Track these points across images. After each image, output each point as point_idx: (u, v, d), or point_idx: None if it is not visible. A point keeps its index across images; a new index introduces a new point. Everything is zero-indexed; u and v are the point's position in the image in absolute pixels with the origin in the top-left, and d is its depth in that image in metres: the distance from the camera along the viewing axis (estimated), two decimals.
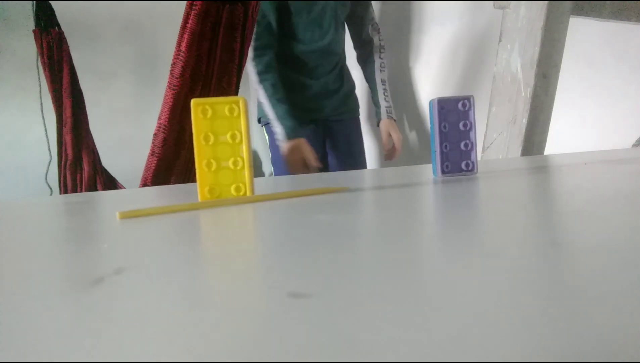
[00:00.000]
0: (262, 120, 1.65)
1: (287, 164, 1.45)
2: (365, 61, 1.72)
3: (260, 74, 1.47)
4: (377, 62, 1.67)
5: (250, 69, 1.48)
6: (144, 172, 1.96)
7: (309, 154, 1.42)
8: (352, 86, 1.73)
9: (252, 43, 1.44)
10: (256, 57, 1.47)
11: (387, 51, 1.71)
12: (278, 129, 1.45)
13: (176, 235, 0.30)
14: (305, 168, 1.44)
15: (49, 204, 0.55)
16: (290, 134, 1.42)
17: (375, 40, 1.69)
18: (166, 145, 1.92)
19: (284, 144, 1.44)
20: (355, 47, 1.74)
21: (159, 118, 1.92)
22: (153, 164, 1.94)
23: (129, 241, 0.28)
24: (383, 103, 1.63)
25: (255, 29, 1.44)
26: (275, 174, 1.61)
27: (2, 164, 2.47)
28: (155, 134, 1.92)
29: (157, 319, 0.14)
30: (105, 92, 2.63)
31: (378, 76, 1.66)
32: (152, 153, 1.93)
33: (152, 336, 0.13)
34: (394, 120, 1.64)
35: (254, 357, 0.11)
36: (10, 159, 2.48)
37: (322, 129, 1.67)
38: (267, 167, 3.02)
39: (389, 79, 1.67)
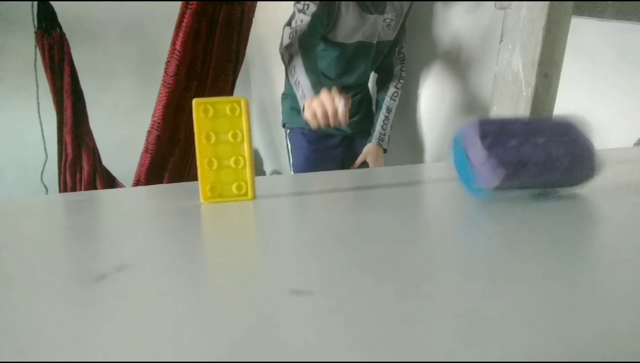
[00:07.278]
0: (287, 125, 1.65)
1: (310, 118, 1.22)
2: (380, 85, 1.72)
3: (303, 46, 1.30)
4: (391, 90, 1.68)
5: (285, 40, 1.31)
6: (138, 169, 1.96)
7: (336, 99, 1.16)
8: (371, 110, 1.73)
9: (300, 29, 1.30)
10: (305, 37, 1.31)
11: None
12: (304, 84, 1.24)
13: (178, 232, 0.30)
14: (327, 119, 1.19)
15: (48, 202, 0.55)
16: (317, 88, 1.23)
17: (396, 70, 1.68)
18: (160, 142, 1.91)
19: (309, 101, 1.22)
20: (375, 69, 1.73)
21: (153, 116, 1.91)
22: (147, 161, 1.93)
23: (131, 238, 0.29)
24: (378, 129, 1.65)
25: (308, 26, 1.31)
26: None
27: (2, 163, 2.47)
28: (149, 132, 1.91)
29: (159, 316, 0.14)
30: (106, 91, 2.64)
31: (386, 103, 1.67)
32: (146, 150, 1.92)
33: (154, 333, 0.13)
34: (384, 150, 1.64)
35: (256, 353, 0.11)
36: (10, 159, 2.48)
37: (340, 144, 1.68)
38: (268, 166, 3.02)
39: (397, 109, 1.68)
